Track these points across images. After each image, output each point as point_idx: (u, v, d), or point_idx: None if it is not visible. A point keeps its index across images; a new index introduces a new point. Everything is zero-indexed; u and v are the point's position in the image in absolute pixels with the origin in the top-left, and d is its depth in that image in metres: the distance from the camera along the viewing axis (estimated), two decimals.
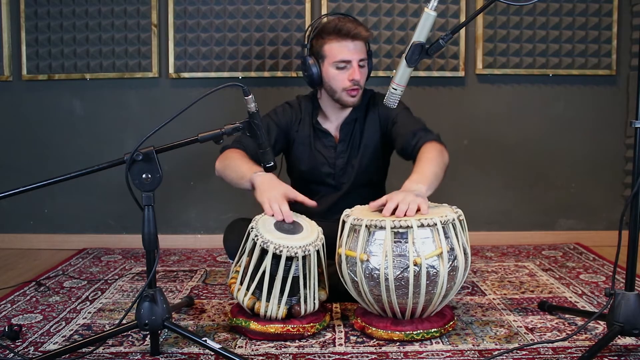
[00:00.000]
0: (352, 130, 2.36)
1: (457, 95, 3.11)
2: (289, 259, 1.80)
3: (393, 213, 1.79)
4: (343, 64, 2.20)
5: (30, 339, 1.86)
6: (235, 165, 2.11)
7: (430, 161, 2.02)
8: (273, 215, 1.90)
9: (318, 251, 1.85)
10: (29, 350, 1.78)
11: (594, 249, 2.97)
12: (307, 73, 2.26)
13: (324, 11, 3.00)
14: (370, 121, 2.35)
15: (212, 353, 1.72)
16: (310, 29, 2.27)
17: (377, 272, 1.75)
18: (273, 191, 1.95)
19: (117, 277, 2.59)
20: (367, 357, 1.71)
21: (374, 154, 2.36)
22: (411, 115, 2.31)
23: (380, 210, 1.88)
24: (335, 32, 2.19)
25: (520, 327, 1.93)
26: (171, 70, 3.06)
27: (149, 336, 1.76)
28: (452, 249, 1.78)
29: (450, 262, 1.77)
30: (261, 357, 1.72)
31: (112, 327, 1.76)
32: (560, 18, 3.03)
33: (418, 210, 1.80)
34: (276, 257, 1.79)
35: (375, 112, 2.34)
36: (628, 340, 1.78)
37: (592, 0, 3.01)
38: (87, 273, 2.66)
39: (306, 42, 2.26)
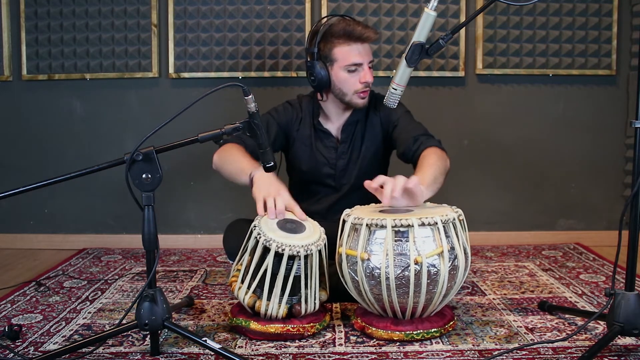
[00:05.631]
0: (353, 131, 2.36)
1: (457, 95, 3.11)
2: (291, 258, 1.80)
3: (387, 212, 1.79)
4: (354, 67, 2.20)
5: (30, 339, 1.86)
6: (235, 160, 2.10)
7: (431, 166, 2.02)
8: (265, 214, 1.88)
9: (320, 251, 1.85)
10: (29, 350, 1.78)
11: (594, 249, 2.97)
12: (315, 77, 2.24)
13: (324, 11, 3.00)
14: (372, 123, 2.35)
15: (212, 353, 1.72)
16: (314, 32, 2.25)
17: (377, 271, 1.76)
18: (271, 188, 1.92)
19: (117, 277, 2.59)
20: (367, 357, 1.71)
21: (374, 156, 2.36)
22: (413, 120, 2.31)
23: (380, 208, 1.88)
24: (345, 36, 2.18)
25: (520, 327, 1.93)
26: (171, 70, 3.06)
27: (149, 336, 1.76)
28: (452, 248, 1.78)
29: (451, 261, 1.77)
30: (261, 357, 1.72)
31: (112, 327, 1.76)
32: (560, 18, 3.03)
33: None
34: (278, 256, 1.79)
35: (377, 113, 2.34)
36: (628, 340, 1.78)
37: (592, 0, 3.02)
38: (87, 273, 2.66)
39: (313, 46, 2.22)
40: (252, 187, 1.97)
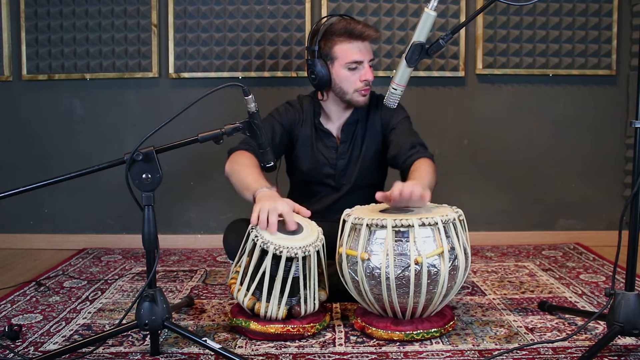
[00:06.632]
0: (354, 131, 2.36)
1: (457, 95, 3.11)
2: (289, 260, 1.80)
3: (397, 215, 1.79)
4: (355, 64, 2.20)
5: (30, 339, 1.86)
6: (243, 174, 2.06)
7: (427, 174, 2.03)
8: (257, 225, 1.84)
9: (318, 252, 1.85)
10: (29, 350, 1.78)
11: (594, 249, 2.97)
12: (316, 75, 2.24)
13: (324, 11, 3.00)
14: (372, 123, 2.35)
15: (212, 353, 1.72)
16: (315, 31, 2.25)
17: (378, 271, 1.76)
18: (268, 202, 1.87)
19: (117, 277, 2.59)
20: (367, 357, 1.71)
21: (374, 156, 2.36)
22: (411, 127, 2.32)
23: (381, 208, 1.88)
24: (346, 33, 2.19)
25: (520, 327, 1.93)
26: (171, 70, 3.06)
27: (149, 336, 1.77)
28: (452, 248, 1.78)
29: (451, 262, 1.77)
30: (261, 357, 1.72)
31: (112, 327, 1.76)
32: (560, 18, 3.03)
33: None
34: (276, 258, 1.79)
35: (377, 114, 2.35)
36: (628, 340, 1.78)
37: (592, 0, 3.02)
38: (87, 273, 2.66)
39: (313, 45, 2.23)
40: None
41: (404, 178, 2.16)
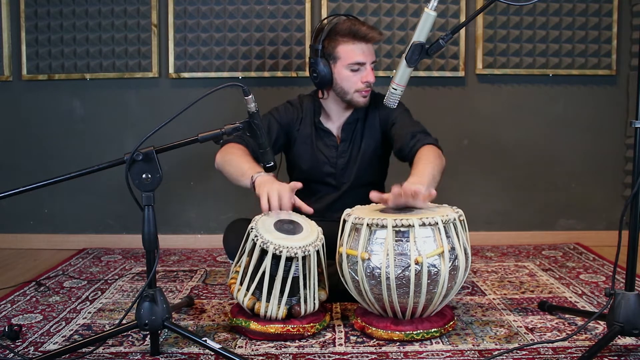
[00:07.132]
0: (353, 130, 2.36)
1: (457, 95, 3.11)
2: (289, 260, 1.80)
3: (396, 214, 1.79)
4: (357, 66, 2.21)
5: (30, 339, 1.86)
6: (237, 162, 2.10)
7: (429, 163, 2.02)
8: (269, 210, 1.88)
9: (318, 251, 1.85)
10: (29, 350, 1.78)
11: (594, 249, 2.97)
12: (317, 74, 2.25)
13: (324, 11, 3.00)
14: (372, 122, 2.35)
15: (212, 353, 1.72)
16: (319, 30, 2.25)
17: (378, 270, 1.76)
18: (274, 184, 1.92)
19: (117, 277, 2.59)
20: (367, 357, 1.71)
21: (374, 155, 2.36)
22: (411, 117, 2.32)
23: (381, 208, 1.88)
24: (350, 34, 2.19)
25: (520, 327, 1.93)
26: (171, 70, 3.06)
27: (149, 336, 1.77)
28: (453, 249, 1.78)
29: (451, 262, 1.77)
30: (261, 357, 1.72)
31: (112, 327, 1.76)
32: (560, 18, 3.03)
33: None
34: (276, 258, 1.79)
35: (376, 112, 2.35)
36: (628, 340, 1.78)
37: (592, 0, 3.02)
38: (87, 273, 2.66)
39: (317, 44, 2.23)
40: (255, 189, 1.97)
41: None
